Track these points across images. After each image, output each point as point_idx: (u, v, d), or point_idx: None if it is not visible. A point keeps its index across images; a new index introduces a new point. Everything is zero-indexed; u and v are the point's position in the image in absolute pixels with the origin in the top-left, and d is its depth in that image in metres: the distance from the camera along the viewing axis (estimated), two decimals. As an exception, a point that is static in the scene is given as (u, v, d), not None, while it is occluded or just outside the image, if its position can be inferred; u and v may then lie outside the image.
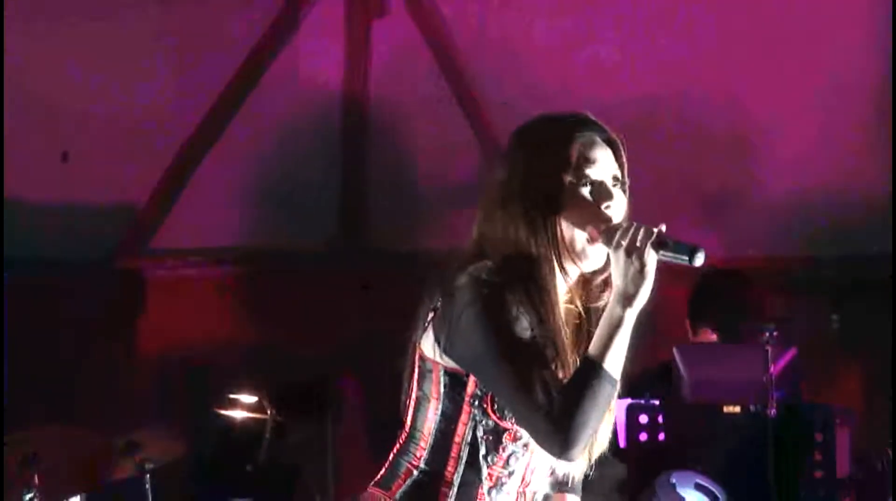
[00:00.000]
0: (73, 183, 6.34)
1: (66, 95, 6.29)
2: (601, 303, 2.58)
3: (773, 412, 4.31)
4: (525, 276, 2.52)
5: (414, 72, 6.14)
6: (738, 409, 4.46)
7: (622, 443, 4.62)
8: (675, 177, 5.96)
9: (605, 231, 2.52)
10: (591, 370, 2.43)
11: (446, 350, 2.54)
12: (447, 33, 6.12)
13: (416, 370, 2.62)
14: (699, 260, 2.45)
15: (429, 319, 2.59)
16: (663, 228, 2.48)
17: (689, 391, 4.66)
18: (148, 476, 4.89)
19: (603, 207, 2.55)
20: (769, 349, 4.38)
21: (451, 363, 2.55)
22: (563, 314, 2.58)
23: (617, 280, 2.46)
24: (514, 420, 2.54)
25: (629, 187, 2.63)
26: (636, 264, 2.44)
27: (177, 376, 6.10)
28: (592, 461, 2.66)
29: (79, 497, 4.68)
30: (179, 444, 5.10)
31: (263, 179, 6.34)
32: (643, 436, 4.51)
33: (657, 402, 4.53)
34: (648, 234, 2.46)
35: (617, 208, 2.57)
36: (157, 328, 6.34)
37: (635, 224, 2.50)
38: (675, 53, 5.93)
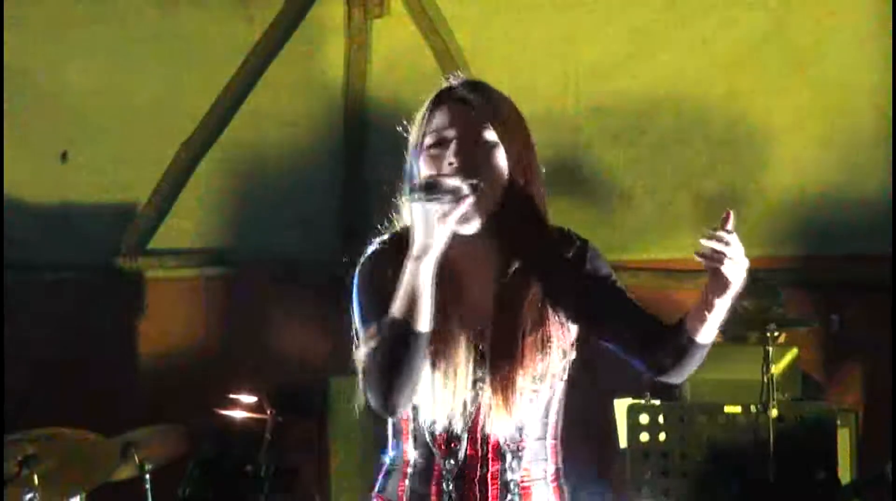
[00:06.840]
0: (73, 183, 6.34)
1: (66, 95, 6.29)
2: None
3: (774, 412, 4.30)
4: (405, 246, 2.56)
5: (414, 72, 6.14)
6: (738, 409, 4.44)
7: (623, 443, 4.62)
8: (675, 177, 5.95)
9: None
10: (383, 325, 2.51)
11: None
12: (447, 33, 6.11)
13: None
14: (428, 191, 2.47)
15: None
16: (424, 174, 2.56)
17: (690, 391, 4.65)
18: (148, 476, 4.90)
19: (446, 164, 2.57)
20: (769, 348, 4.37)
21: None
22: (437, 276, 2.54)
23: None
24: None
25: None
26: (412, 215, 2.53)
27: (177, 376, 6.10)
28: (515, 419, 2.59)
29: (79, 497, 4.68)
30: (179, 444, 5.10)
31: (263, 179, 6.34)
32: (643, 436, 4.50)
33: (657, 402, 4.52)
34: (412, 186, 2.54)
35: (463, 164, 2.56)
36: (156, 328, 6.34)
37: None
38: (676, 54, 5.93)
